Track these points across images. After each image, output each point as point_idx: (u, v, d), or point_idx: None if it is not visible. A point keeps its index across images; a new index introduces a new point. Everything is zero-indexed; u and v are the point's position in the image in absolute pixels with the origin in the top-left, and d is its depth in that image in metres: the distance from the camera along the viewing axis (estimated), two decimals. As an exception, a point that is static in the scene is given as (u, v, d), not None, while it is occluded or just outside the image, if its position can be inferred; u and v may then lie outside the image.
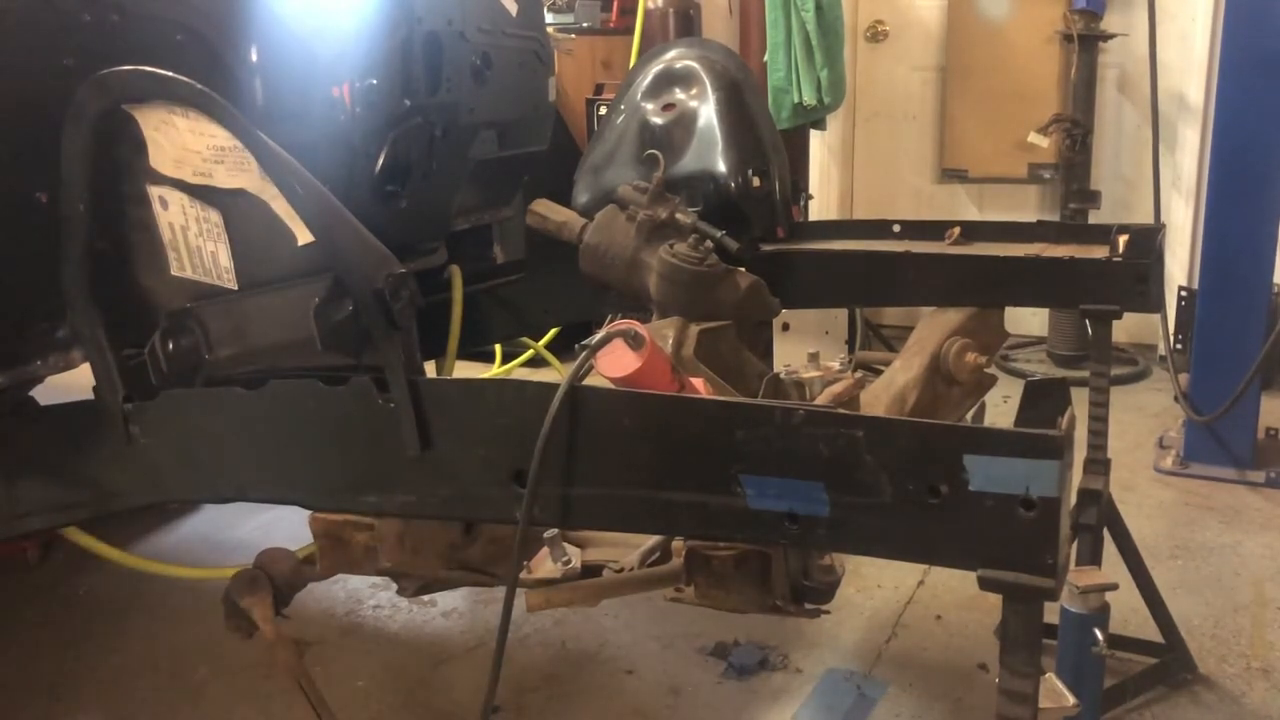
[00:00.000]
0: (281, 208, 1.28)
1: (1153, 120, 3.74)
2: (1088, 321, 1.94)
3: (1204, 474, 3.12)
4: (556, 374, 3.56)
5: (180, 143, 1.29)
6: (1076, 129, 4.10)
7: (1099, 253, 1.89)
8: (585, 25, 4.37)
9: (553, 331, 3.39)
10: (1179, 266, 4.20)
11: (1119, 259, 1.82)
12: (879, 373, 1.92)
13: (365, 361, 1.28)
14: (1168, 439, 3.33)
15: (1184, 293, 3.76)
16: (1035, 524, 1.00)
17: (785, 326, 3.79)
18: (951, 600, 2.40)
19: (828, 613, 1.51)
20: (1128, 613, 2.15)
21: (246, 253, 1.33)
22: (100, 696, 2.16)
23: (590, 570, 1.49)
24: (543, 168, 2.25)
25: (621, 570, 1.48)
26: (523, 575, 1.45)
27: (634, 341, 1.22)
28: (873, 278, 2.03)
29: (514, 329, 2.73)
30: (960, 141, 4.55)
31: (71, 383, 1.61)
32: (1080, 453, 1.93)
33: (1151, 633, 2.13)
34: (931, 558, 1.18)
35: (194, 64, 1.46)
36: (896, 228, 2.11)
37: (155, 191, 1.34)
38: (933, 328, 1.85)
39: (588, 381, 1.21)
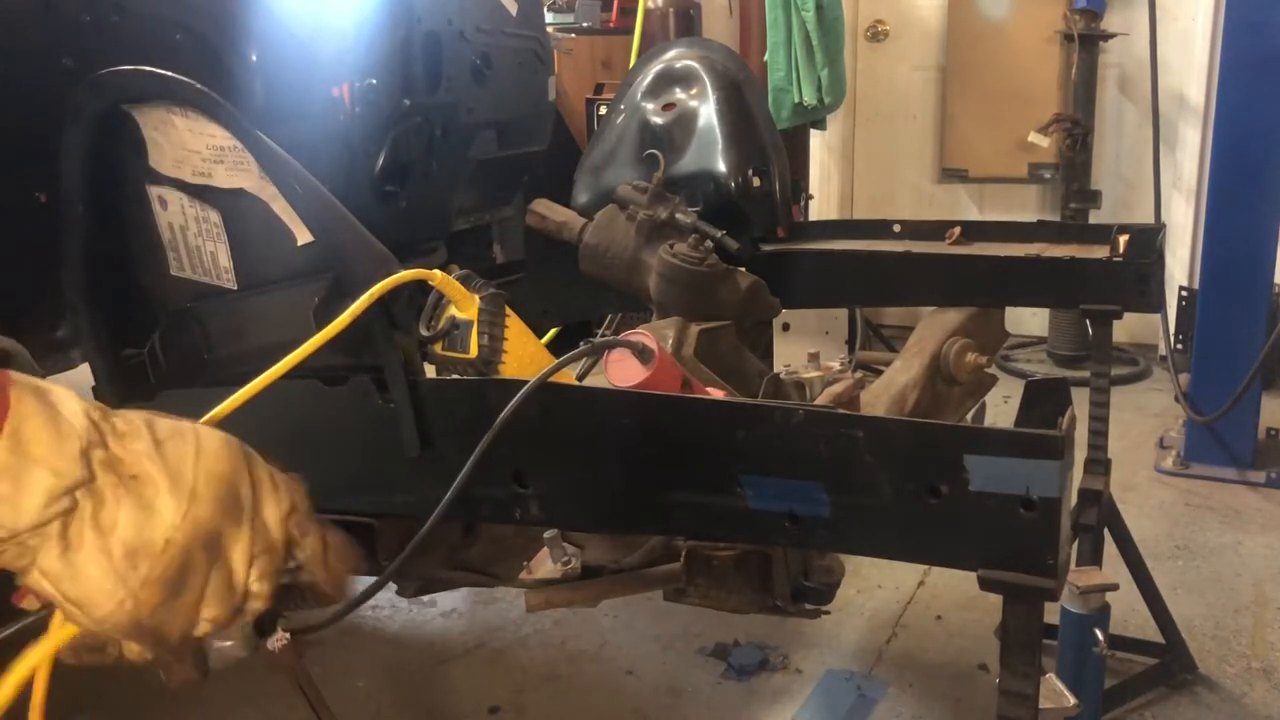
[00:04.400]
0: (281, 208, 1.28)
1: (1153, 120, 3.74)
2: (1088, 321, 1.94)
3: (1204, 474, 3.12)
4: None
5: (179, 143, 1.29)
6: (1077, 129, 4.10)
7: (1099, 253, 1.89)
8: (585, 25, 4.37)
9: (552, 331, 3.38)
10: (1179, 266, 4.20)
11: (1119, 259, 1.82)
12: (879, 373, 1.92)
13: (365, 361, 1.28)
14: (1168, 439, 3.33)
15: (1184, 293, 3.77)
16: (1035, 524, 1.00)
17: (785, 326, 3.80)
18: (951, 600, 2.40)
19: (828, 613, 1.51)
20: (1128, 613, 2.15)
21: (246, 253, 1.33)
22: (100, 696, 2.15)
23: (590, 570, 1.48)
24: (543, 168, 2.25)
25: (621, 570, 1.48)
26: (523, 575, 1.45)
27: (643, 356, 1.22)
28: (873, 278, 2.02)
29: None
30: (960, 141, 4.56)
31: (71, 383, 1.61)
32: (1081, 453, 1.93)
33: (1152, 633, 2.13)
34: (931, 558, 1.18)
35: (194, 64, 1.46)
36: (897, 228, 2.11)
37: (154, 191, 1.34)
38: (933, 328, 1.85)
39: (587, 382, 1.21)
